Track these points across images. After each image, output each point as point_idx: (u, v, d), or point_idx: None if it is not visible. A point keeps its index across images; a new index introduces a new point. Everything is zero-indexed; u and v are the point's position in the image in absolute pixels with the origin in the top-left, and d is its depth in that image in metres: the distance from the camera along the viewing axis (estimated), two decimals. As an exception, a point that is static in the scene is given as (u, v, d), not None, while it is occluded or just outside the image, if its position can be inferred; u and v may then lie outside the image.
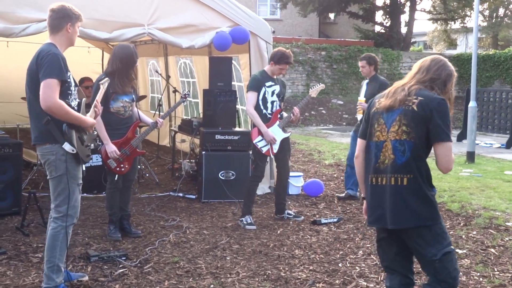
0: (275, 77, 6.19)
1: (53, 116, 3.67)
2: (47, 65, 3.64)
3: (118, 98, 5.38)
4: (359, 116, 6.97)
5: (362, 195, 3.45)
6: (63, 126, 3.74)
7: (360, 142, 3.35)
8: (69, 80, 3.84)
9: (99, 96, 4.28)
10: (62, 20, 3.83)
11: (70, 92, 3.86)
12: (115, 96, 5.34)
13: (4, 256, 4.78)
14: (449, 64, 3.24)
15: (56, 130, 3.74)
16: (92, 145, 4.28)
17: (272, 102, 6.14)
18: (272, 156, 6.20)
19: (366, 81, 7.40)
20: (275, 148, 6.12)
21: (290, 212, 6.50)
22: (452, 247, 3.15)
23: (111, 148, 5.31)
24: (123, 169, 5.48)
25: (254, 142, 6.09)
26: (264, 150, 6.08)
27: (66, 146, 3.76)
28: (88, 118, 3.96)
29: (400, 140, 3.07)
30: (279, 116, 6.22)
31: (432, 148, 3.09)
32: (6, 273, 4.41)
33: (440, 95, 3.09)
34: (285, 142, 6.24)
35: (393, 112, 3.12)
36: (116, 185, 5.54)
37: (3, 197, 6.04)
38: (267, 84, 6.11)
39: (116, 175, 5.48)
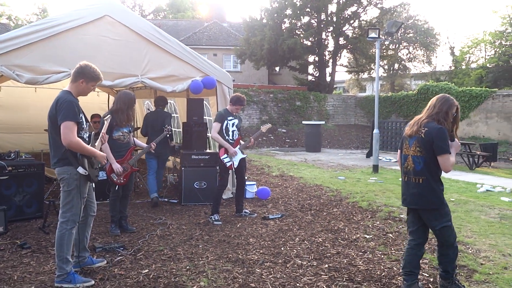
0: (234, 113, 6.23)
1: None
2: (64, 110, 3.56)
3: (119, 129, 5.33)
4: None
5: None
6: (78, 154, 3.67)
7: (398, 152, 3.84)
8: (81, 120, 3.74)
9: (104, 129, 4.21)
10: (79, 74, 3.75)
11: (82, 127, 3.77)
12: (117, 127, 5.29)
13: (29, 250, 4.61)
14: (450, 99, 3.61)
15: (72, 157, 3.66)
16: (100, 165, 4.20)
17: (233, 131, 6.17)
18: (233, 169, 6.20)
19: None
20: (235, 163, 6.13)
21: (246, 211, 6.48)
22: (449, 223, 3.57)
23: (117, 166, 5.25)
24: (122, 181, 5.37)
25: (221, 158, 6.09)
26: (228, 164, 6.08)
27: (80, 170, 3.68)
28: (100, 152, 3.86)
29: (416, 156, 3.58)
30: (240, 142, 6.25)
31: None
32: (30, 263, 4.24)
33: (444, 122, 3.53)
34: (242, 161, 6.26)
35: (412, 138, 3.62)
36: (117, 194, 5.42)
37: (29, 205, 5.82)
38: (229, 118, 6.14)
39: (117, 186, 5.37)
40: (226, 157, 6.08)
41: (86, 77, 3.75)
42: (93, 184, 4.02)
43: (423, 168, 3.53)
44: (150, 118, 7.37)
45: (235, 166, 6.16)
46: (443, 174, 3.62)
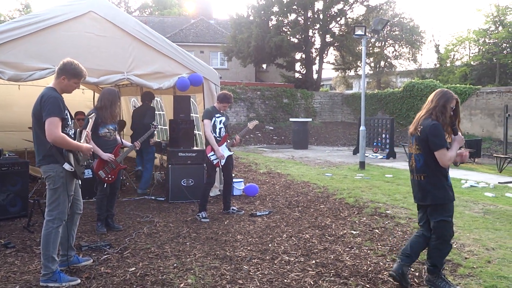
0: (222, 111, 6.22)
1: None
2: (49, 106, 3.51)
3: (105, 126, 5.29)
4: None
5: None
6: (63, 150, 3.62)
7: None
8: (66, 116, 3.69)
9: (89, 127, 4.16)
10: (61, 71, 3.70)
11: (67, 124, 3.73)
12: (103, 124, 5.25)
13: (13, 249, 4.54)
14: (448, 92, 3.63)
15: (58, 153, 3.61)
16: (86, 162, 4.16)
17: (220, 129, 6.16)
18: (220, 167, 6.19)
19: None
20: (222, 161, 6.12)
21: (234, 208, 6.48)
22: (450, 218, 3.61)
23: (107, 156, 5.24)
24: (110, 179, 5.33)
25: (208, 155, 6.09)
26: (215, 162, 6.07)
27: (66, 166, 3.63)
28: (84, 144, 3.81)
29: (416, 154, 3.67)
30: (227, 139, 6.25)
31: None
32: (15, 263, 4.18)
33: (441, 116, 3.55)
34: (229, 158, 6.25)
35: (413, 137, 3.72)
36: (105, 192, 5.38)
37: (13, 204, 5.73)
38: (217, 115, 6.13)
39: (105, 184, 5.33)
40: (213, 154, 6.06)
41: (67, 74, 3.70)
42: (79, 182, 3.97)
43: (423, 165, 3.62)
44: (136, 113, 7.64)
45: (222, 164, 6.15)
46: None
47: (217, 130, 6.13)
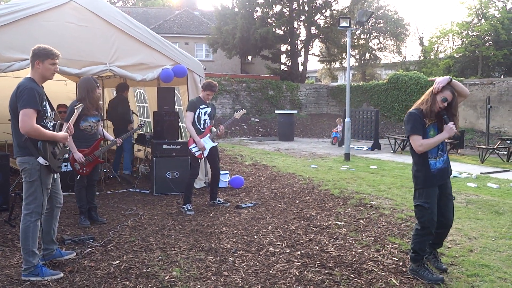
0: (207, 102, 6.16)
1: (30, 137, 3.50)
2: (24, 97, 3.42)
3: (87, 118, 5.21)
4: None
5: None
6: (38, 143, 3.54)
7: None
8: (45, 108, 3.60)
9: (73, 119, 4.07)
10: (33, 58, 3.61)
11: (46, 116, 3.64)
12: (84, 117, 5.16)
13: (-7, 243, 4.45)
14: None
15: (32, 146, 3.54)
16: (66, 155, 4.08)
17: (205, 120, 6.11)
18: (202, 158, 6.16)
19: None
20: (205, 153, 6.08)
21: (220, 199, 6.46)
22: (427, 205, 3.63)
23: (78, 155, 5.16)
24: (85, 171, 5.27)
25: (189, 148, 6.04)
26: (197, 154, 6.03)
27: (40, 160, 3.55)
28: (60, 133, 3.72)
29: None
30: (210, 130, 6.20)
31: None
32: (-5, 257, 4.10)
33: (426, 103, 3.62)
34: (214, 149, 6.21)
35: None
36: (82, 184, 5.32)
37: (-7, 197, 5.62)
38: (201, 106, 6.07)
39: (79, 176, 5.28)
40: (195, 146, 6.01)
41: (39, 57, 3.60)
42: (55, 175, 3.86)
43: (410, 152, 3.84)
44: (111, 104, 8.16)
45: (205, 155, 6.11)
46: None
47: (202, 122, 6.08)
